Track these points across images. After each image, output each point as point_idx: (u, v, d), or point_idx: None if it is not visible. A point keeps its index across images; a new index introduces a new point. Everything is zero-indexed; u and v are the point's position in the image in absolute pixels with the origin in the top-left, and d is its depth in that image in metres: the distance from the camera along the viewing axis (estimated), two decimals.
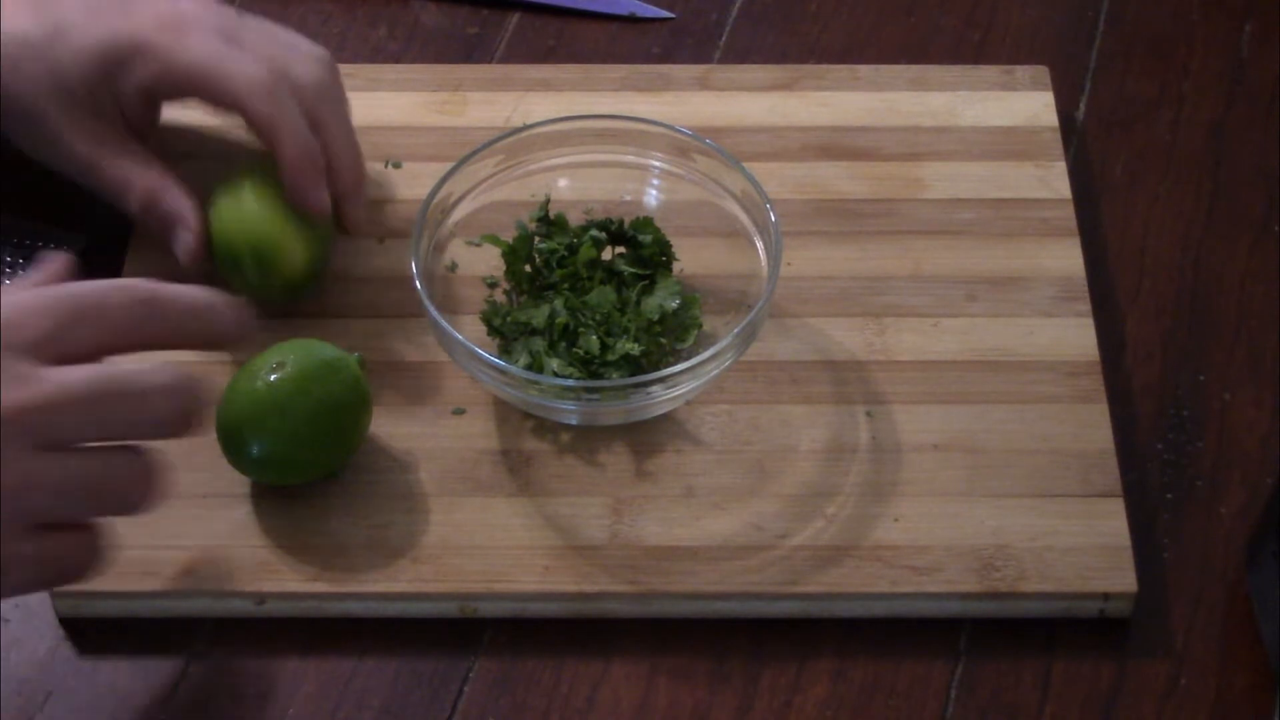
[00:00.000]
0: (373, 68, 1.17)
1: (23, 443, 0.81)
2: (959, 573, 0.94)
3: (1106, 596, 0.94)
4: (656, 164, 1.06)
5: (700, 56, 1.20)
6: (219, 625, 0.94)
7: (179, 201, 1.02)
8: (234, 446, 0.95)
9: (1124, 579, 0.94)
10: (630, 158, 1.06)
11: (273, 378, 0.94)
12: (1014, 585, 0.94)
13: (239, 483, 0.97)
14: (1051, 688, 0.93)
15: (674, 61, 1.19)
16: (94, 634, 0.94)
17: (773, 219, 1.00)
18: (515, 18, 1.22)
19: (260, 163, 1.03)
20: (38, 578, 0.85)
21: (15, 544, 0.82)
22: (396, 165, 1.11)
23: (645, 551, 0.95)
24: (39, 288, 0.85)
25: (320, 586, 0.94)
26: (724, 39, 1.22)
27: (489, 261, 1.04)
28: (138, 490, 0.85)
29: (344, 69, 1.16)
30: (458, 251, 1.04)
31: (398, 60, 1.20)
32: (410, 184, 1.10)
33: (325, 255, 1.04)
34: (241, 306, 0.89)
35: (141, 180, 1.03)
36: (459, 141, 1.09)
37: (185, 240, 1.02)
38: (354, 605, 0.94)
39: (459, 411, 1.00)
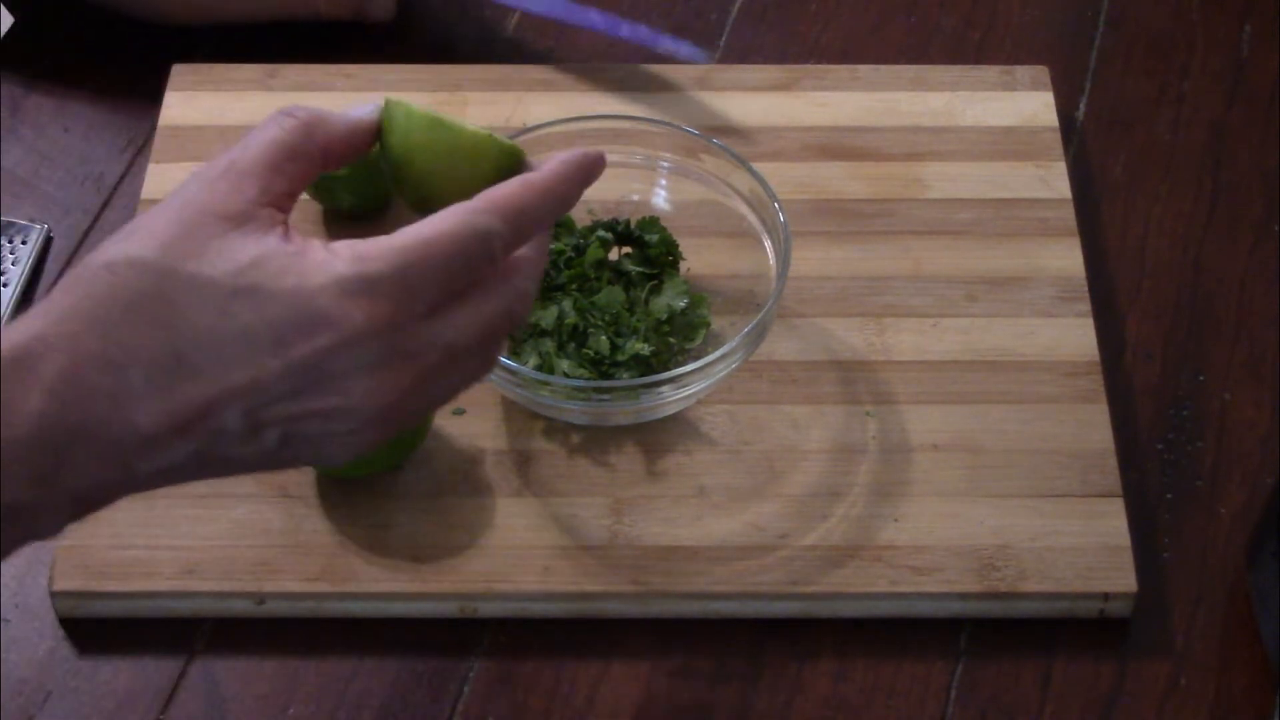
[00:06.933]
0: (373, 68, 1.17)
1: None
2: (959, 573, 0.94)
3: (1106, 596, 0.94)
4: (664, 164, 1.06)
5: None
6: (219, 625, 0.94)
7: None
8: None
9: (1124, 579, 0.94)
10: (638, 158, 1.06)
11: None
12: (1014, 585, 0.94)
13: (239, 482, 0.97)
14: (1051, 688, 0.93)
15: (674, 61, 1.19)
16: (94, 634, 0.94)
17: (781, 219, 1.00)
18: (515, 18, 1.22)
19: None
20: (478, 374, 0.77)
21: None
22: None
23: (646, 551, 0.95)
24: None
25: (320, 586, 0.94)
26: (724, 39, 1.22)
27: None
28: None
29: (344, 69, 1.16)
30: None
31: (398, 60, 1.20)
32: None
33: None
34: None
35: None
36: None
37: None
38: (354, 605, 0.94)
39: (459, 412, 1.00)
